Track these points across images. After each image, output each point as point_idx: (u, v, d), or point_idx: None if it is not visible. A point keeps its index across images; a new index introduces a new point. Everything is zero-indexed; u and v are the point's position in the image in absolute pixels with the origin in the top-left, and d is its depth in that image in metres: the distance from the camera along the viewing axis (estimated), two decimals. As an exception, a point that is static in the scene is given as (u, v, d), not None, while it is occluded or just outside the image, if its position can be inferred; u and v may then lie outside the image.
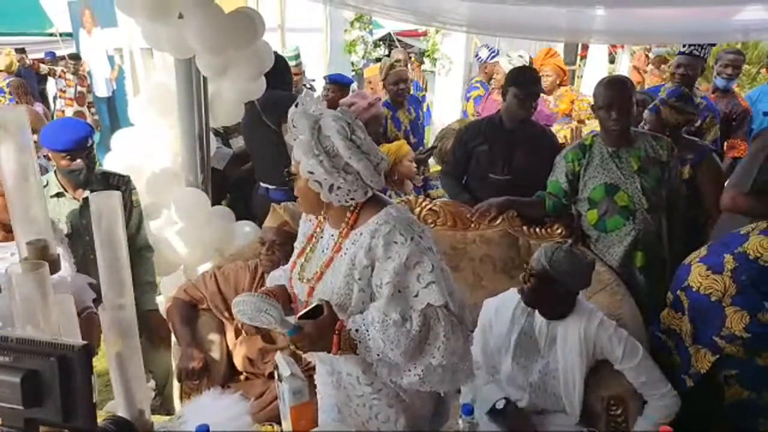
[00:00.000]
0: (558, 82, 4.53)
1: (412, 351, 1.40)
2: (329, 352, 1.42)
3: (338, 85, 4.47)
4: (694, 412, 2.06)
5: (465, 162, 3.08)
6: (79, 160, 2.46)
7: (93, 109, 7.98)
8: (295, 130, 1.42)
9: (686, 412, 2.03)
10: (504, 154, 2.94)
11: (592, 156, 2.58)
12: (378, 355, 1.41)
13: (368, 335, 1.40)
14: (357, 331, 1.41)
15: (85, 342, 0.76)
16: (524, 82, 2.90)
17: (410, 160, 3.28)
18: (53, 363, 0.75)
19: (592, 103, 2.61)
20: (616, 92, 2.48)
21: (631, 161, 2.52)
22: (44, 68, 8.05)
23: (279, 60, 3.28)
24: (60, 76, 7.75)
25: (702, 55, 3.73)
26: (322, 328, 1.41)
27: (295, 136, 1.43)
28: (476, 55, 5.69)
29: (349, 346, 1.41)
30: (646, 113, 3.05)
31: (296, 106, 1.44)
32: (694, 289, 2.10)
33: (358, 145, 1.41)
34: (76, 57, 7.86)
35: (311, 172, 1.40)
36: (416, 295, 1.40)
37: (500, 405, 2.02)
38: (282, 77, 3.35)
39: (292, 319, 1.45)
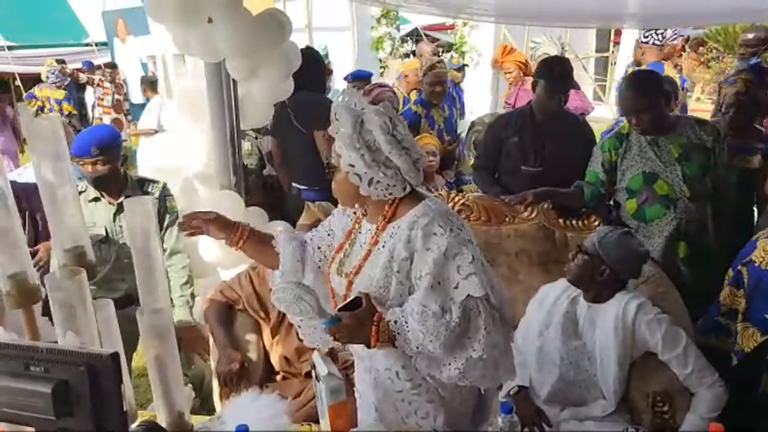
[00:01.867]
0: (523, 74, 4.77)
1: (451, 343, 1.38)
2: (367, 344, 1.41)
3: (361, 80, 4.46)
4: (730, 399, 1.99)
5: (496, 155, 3.03)
6: (98, 166, 2.51)
7: (130, 117, 8.18)
8: (338, 123, 1.42)
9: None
10: (535, 146, 2.89)
11: (629, 145, 2.51)
12: (417, 347, 1.40)
13: (407, 327, 1.39)
14: (396, 322, 1.40)
15: (113, 351, 0.77)
16: (553, 75, 2.84)
17: (426, 154, 3.27)
18: (83, 372, 0.75)
19: None
20: (630, 96, 2.42)
21: (671, 148, 2.44)
22: (83, 77, 8.30)
23: (313, 59, 3.25)
24: (98, 85, 7.97)
25: None
26: (360, 320, 1.40)
27: (337, 128, 1.42)
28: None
29: (388, 338, 1.40)
30: (729, 97, 2.84)
31: (340, 98, 1.44)
32: (756, 264, 2.02)
33: (399, 140, 1.41)
34: (112, 66, 8.09)
35: (352, 165, 1.40)
36: (456, 287, 1.38)
37: (513, 390, 2.02)
38: (316, 78, 3.31)
39: (330, 311, 1.45)
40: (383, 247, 1.46)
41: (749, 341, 2.02)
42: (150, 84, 6.92)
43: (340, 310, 1.45)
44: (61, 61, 8.40)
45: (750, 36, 3.92)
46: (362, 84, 4.43)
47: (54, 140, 0.93)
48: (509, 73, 4.90)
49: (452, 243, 1.38)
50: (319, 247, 1.66)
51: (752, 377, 2.03)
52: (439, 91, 3.89)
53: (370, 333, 1.39)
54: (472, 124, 4.32)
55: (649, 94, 2.41)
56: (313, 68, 3.23)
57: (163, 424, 1.01)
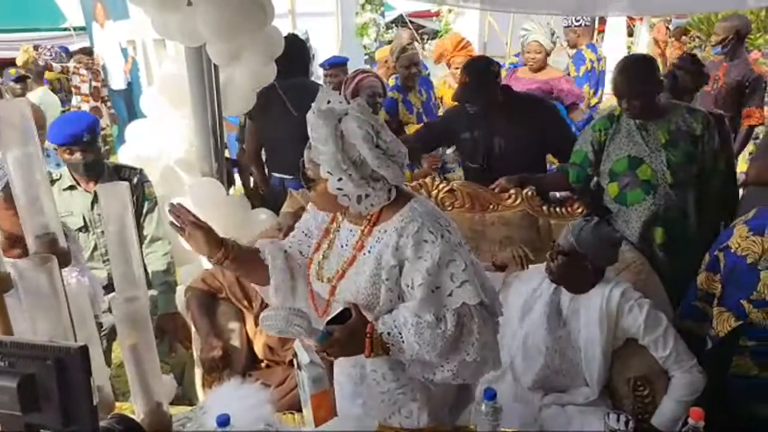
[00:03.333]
0: None
1: (446, 350, 1.38)
2: (360, 354, 1.39)
3: (337, 67, 4.29)
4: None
5: (434, 141, 3.09)
6: (77, 154, 2.47)
7: (109, 103, 7.98)
8: (316, 139, 1.34)
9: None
10: (483, 141, 2.86)
11: (619, 127, 2.51)
12: (411, 356, 1.39)
13: (401, 338, 1.37)
14: (389, 334, 1.37)
15: (82, 344, 0.74)
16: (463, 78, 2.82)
17: None
18: (50, 366, 0.73)
19: None
20: (624, 80, 2.41)
21: (659, 134, 2.44)
22: (57, 67, 8.07)
23: (296, 44, 3.21)
24: (74, 72, 7.76)
25: None
26: (352, 333, 1.37)
27: (314, 140, 1.35)
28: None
29: (382, 349, 1.38)
30: (665, 82, 2.98)
31: (314, 105, 1.35)
32: (732, 250, 2.04)
33: (384, 149, 1.35)
34: (88, 51, 7.82)
35: (340, 189, 1.35)
36: (450, 295, 1.36)
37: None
38: (302, 62, 3.27)
39: (320, 326, 1.41)
40: (369, 252, 1.42)
41: (724, 325, 2.04)
42: None
43: (328, 323, 1.40)
44: (36, 48, 8.18)
45: (726, 25, 3.97)
46: (338, 71, 4.31)
47: (22, 124, 0.90)
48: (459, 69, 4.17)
49: (445, 250, 1.35)
50: (301, 252, 1.61)
51: (725, 361, 2.06)
52: (414, 72, 3.93)
53: (363, 345, 1.37)
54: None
55: (641, 78, 2.40)
56: (298, 54, 3.18)
57: (141, 415, 0.99)
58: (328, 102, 1.35)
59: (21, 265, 0.83)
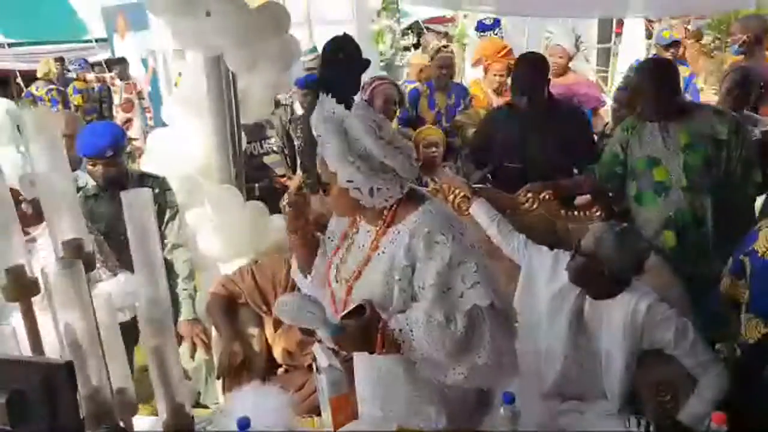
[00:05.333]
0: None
1: (456, 351, 1.37)
2: (372, 352, 1.40)
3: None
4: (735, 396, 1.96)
5: (484, 148, 3.05)
6: (99, 167, 2.50)
7: (150, 114, 7.90)
8: (322, 139, 1.39)
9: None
10: (519, 141, 2.88)
11: (643, 126, 2.49)
12: (422, 354, 1.39)
13: (412, 335, 1.37)
14: (401, 331, 1.38)
15: (68, 359, 0.77)
16: (516, 73, 2.87)
17: (426, 146, 3.36)
18: (38, 382, 0.76)
19: None
20: (640, 83, 2.42)
21: (680, 136, 2.39)
22: (91, 77, 8.19)
23: (346, 44, 3.11)
24: (111, 83, 7.87)
25: None
26: (365, 328, 1.38)
27: (323, 145, 1.39)
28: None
29: (393, 346, 1.39)
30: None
31: (316, 112, 1.41)
32: (759, 254, 1.98)
33: (389, 141, 1.38)
34: (121, 61, 7.86)
35: (350, 181, 1.38)
36: (461, 296, 1.37)
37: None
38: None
39: (333, 320, 1.43)
40: (383, 252, 1.44)
41: (753, 332, 1.99)
42: None
43: (342, 318, 1.43)
44: (59, 59, 8.35)
45: (742, 25, 3.94)
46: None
47: (47, 129, 0.92)
48: (499, 75, 3.95)
49: (456, 251, 1.36)
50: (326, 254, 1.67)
51: (757, 368, 1.99)
52: (444, 73, 4.03)
53: (375, 341, 1.38)
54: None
55: (663, 74, 2.39)
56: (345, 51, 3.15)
57: (163, 417, 1.00)
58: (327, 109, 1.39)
59: (48, 270, 0.85)
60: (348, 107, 1.40)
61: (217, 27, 2.64)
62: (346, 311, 1.45)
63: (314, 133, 1.42)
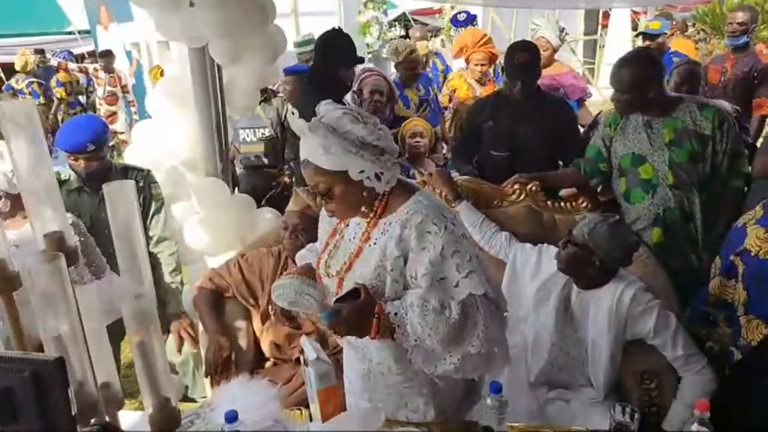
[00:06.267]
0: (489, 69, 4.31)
1: (449, 339, 1.38)
2: (364, 336, 1.41)
3: (295, 75, 4.03)
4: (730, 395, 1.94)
5: (472, 138, 3.05)
6: (81, 162, 2.47)
7: (135, 108, 7.69)
8: (313, 151, 1.38)
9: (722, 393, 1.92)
10: (507, 129, 2.90)
11: (627, 122, 2.47)
12: (415, 340, 1.39)
13: (407, 319, 1.38)
14: (396, 314, 1.38)
15: (58, 355, 0.76)
16: (512, 62, 2.83)
17: (411, 136, 3.41)
18: (27, 379, 0.74)
19: None
20: (618, 77, 2.37)
21: (664, 132, 2.36)
22: (73, 67, 8.05)
23: (340, 38, 3.09)
24: (93, 75, 7.74)
25: None
26: (361, 311, 1.38)
27: (317, 156, 1.38)
28: None
29: (388, 330, 1.39)
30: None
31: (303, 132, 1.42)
32: (752, 254, 1.94)
33: (373, 123, 1.40)
34: (107, 54, 7.71)
35: (362, 171, 1.38)
36: (456, 285, 1.37)
37: None
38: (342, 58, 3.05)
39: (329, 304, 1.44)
40: (374, 244, 1.44)
41: (755, 334, 1.94)
42: None
43: (337, 302, 1.43)
44: (40, 51, 8.19)
45: (740, 15, 3.95)
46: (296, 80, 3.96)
47: (28, 123, 0.91)
48: (480, 65, 4.03)
49: (448, 241, 1.37)
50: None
51: (761, 369, 1.95)
52: (418, 73, 4.19)
53: (371, 325, 1.38)
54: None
55: (643, 68, 2.35)
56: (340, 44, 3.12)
57: (149, 411, 1.00)
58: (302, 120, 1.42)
59: (29, 263, 0.84)
60: (340, 102, 1.40)
61: (201, 18, 2.61)
62: (340, 295, 1.45)
63: (301, 148, 1.42)
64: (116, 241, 1.00)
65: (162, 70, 5.74)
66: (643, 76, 2.33)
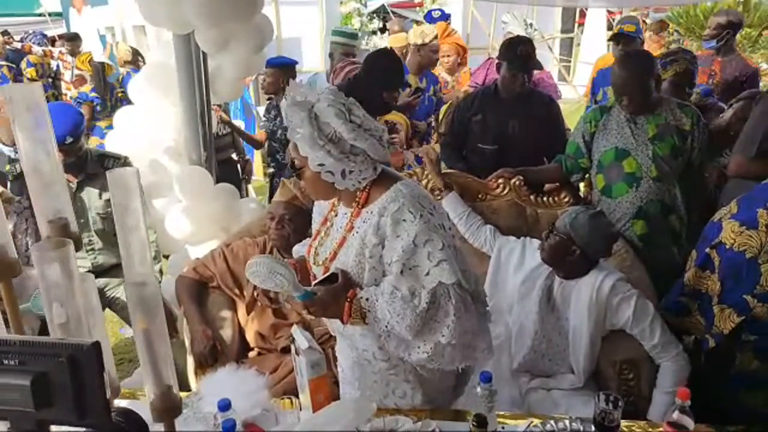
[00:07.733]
0: (458, 62, 4.44)
1: (418, 327, 1.39)
2: (340, 319, 1.43)
3: (277, 68, 3.88)
4: (705, 378, 2.04)
5: (461, 132, 3.09)
6: (69, 154, 2.45)
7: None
8: (292, 125, 1.39)
9: (697, 379, 2.01)
10: (496, 124, 2.95)
11: (609, 119, 2.56)
12: (386, 326, 1.41)
13: (377, 305, 1.40)
14: (368, 300, 1.41)
15: (95, 340, 0.76)
16: (515, 55, 2.87)
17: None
18: (63, 363, 0.75)
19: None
20: (624, 76, 2.43)
21: (648, 128, 2.47)
22: (38, 50, 7.83)
23: (391, 62, 3.03)
24: (58, 58, 7.55)
25: None
26: (335, 294, 1.41)
27: (293, 132, 1.40)
28: None
29: (360, 316, 1.41)
30: None
31: (285, 99, 1.42)
32: (727, 246, 2.03)
33: (359, 124, 1.39)
34: (73, 37, 7.53)
35: (321, 164, 1.38)
36: (427, 273, 1.39)
37: None
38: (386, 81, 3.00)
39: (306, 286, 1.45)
40: (357, 233, 1.46)
41: (726, 323, 2.03)
42: None
43: (316, 284, 1.45)
44: (5, 33, 7.94)
45: (721, 19, 4.02)
46: (278, 72, 3.79)
47: (32, 107, 0.89)
48: (447, 57, 4.32)
49: (422, 230, 1.38)
50: None
51: (730, 357, 2.07)
52: (435, 59, 4.04)
53: (343, 309, 1.40)
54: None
55: (644, 68, 2.43)
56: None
57: (151, 398, 1.00)
58: (297, 95, 1.40)
59: (39, 249, 0.83)
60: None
61: (187, 5, 2.57)
62: (320, 279, 1.47)
63: (284, 119, 1.42)
64: (118, 229, 0.99)
65: (91, 58, 5.66)
66: (650, 75, 2.45)
